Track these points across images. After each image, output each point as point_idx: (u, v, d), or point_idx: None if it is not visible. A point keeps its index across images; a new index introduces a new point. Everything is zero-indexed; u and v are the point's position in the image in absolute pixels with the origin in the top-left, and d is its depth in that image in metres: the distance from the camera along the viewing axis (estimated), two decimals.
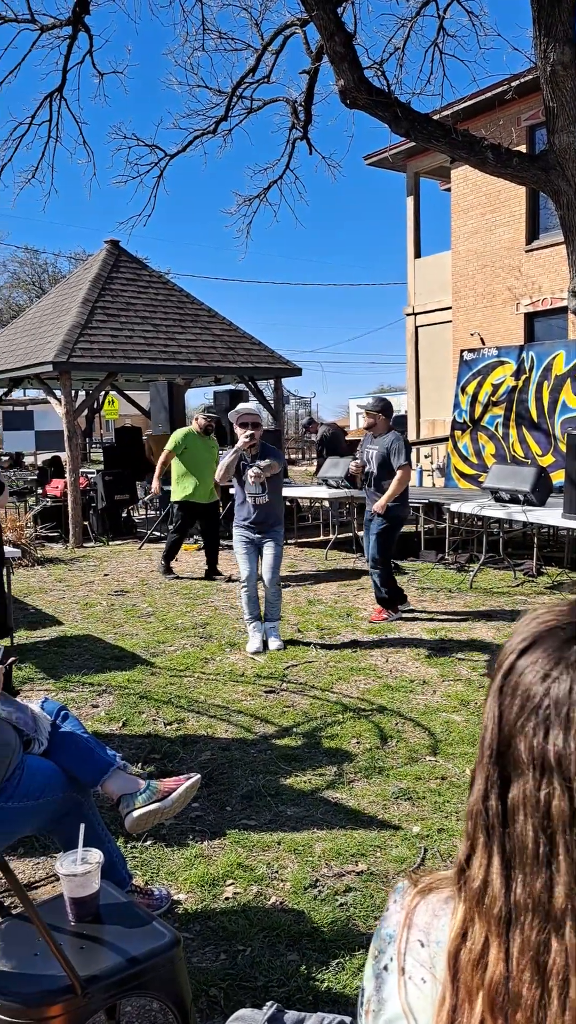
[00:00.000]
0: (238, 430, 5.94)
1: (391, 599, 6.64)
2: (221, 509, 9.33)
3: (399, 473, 6.33)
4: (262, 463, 5.86)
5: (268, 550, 5.96)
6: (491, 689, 0.80)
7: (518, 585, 7.90)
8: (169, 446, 8.58)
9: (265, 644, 5.94)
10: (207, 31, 9.33)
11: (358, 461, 6.63)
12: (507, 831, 0.75)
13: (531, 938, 0.72)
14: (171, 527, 9.17)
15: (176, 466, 8.57)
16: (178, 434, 8.61)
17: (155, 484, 9.45)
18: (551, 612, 0.80)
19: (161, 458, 8.78)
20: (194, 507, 8.59)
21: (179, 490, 8.56)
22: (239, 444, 5.87)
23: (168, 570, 8.80)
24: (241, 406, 6.18)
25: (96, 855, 1.95)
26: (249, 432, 5.86)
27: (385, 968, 0.86)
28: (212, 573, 8.72)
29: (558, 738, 0.72)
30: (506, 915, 0.74)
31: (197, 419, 8.65)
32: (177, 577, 8.72)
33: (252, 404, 6.09)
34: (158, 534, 11.69)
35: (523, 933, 0.72)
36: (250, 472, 5.84)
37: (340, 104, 8.30)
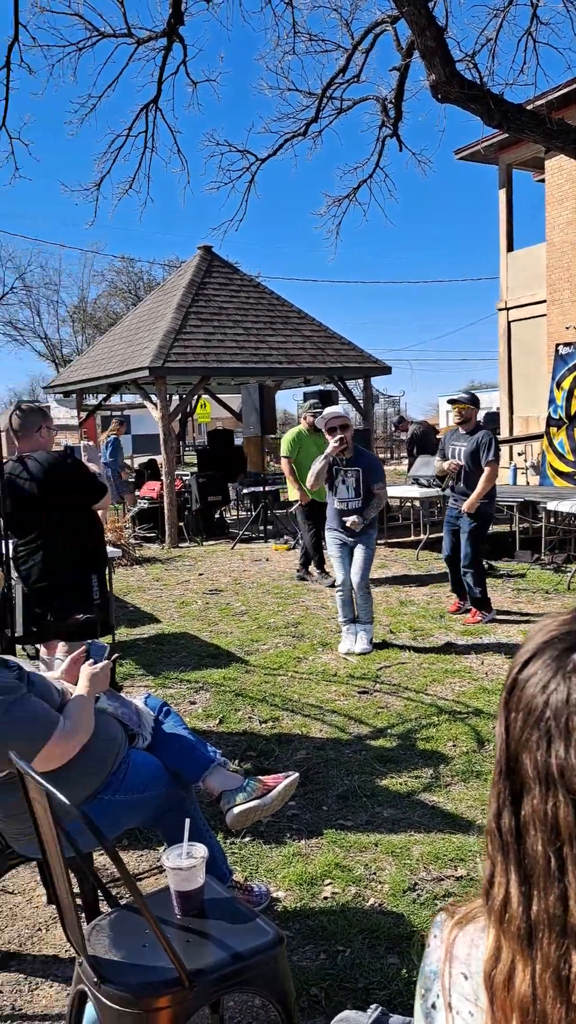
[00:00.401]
0: (328, 435, 5.89)
1: (484, 599, 6.54)
2: None
3: (487, 470, 6.21)
4: (356, 519, 5.76)
5: (359, 552, 5.89)
6: (499, 705, 0.78)
7: None
8: (284, 452, 8.37)
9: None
10: (298, 34, 9.39)
11: (453, 461, 6.43)
12: (521, 848, 0.74)
13: (551, 954, 0.71)
14: (300, 530, 8.80)
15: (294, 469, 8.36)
16: (289, 436, 8.42)
17: (299, 495, 8.54)
18: (555, 621, 0.78)
19: (284, 468, 8.51)
20: (320, 506, 8.28)
21: (300, 492, 8.36)
22: (329, 449, 5.80)
23: (307, 575, 8.56)
24: (327, 410, 6.10)
25: (201, 850, 1.98)
26: (339, 436, 5.78)
27: (433, 1006, 0.85)
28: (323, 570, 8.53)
29: (559, 750, 0.71)
30: (526, 932, 0.73)
31: (305, 418, 8.47)
32: (308, 579, 8.47)
33: (338, 407, 6.01)
34: (250, 534, 11.82)
35: (543, 949, 0.71)
36: (348, 521, 5.79)
37: (430, 99, 8.22)
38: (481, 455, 6.26)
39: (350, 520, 5.78)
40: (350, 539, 5.93)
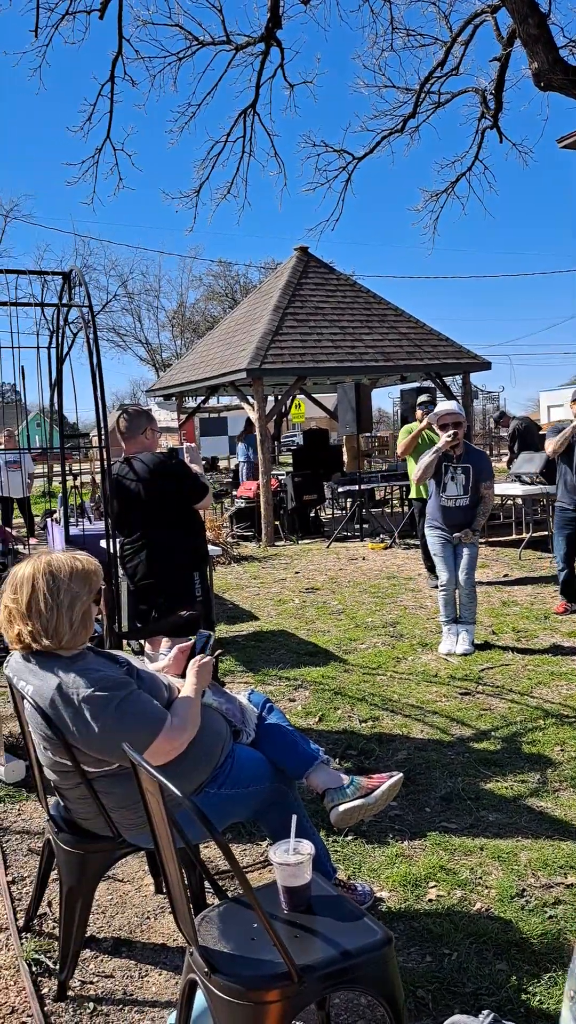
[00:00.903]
0: (440, 431, 5.84)
1: None
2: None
3: None
4: (467, 533, 5.78)
5: (467, 552, 5.81)
6: None
7: None
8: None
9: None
10: (395, 30, 9.33)
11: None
12: None
13: None
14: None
15: (411, 464, 8.26)
16: (406, 431, 8.27)
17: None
18: None
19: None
20: None
21: (419, 488, 8.23)
22: (440, 444, 5.76)
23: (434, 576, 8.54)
24: (441, 406, 6.03)
25: (307, 846, 1.99)
26: (452, 432, 5.73)
27: None
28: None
29: None
30: None
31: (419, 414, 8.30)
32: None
33: (453, 404, 5.91)
34: (345, 533, 11.80)
35: None
36: (457, 536, 5.80)
37: (531, 88, 8.02)
38: None
39: (460, 535, 5.78)
40: (454, 538, 5.85)
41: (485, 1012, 1.62)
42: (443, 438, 5.75)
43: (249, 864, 3.10)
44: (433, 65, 9.76)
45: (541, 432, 13.89)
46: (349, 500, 13.28)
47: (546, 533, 9.97)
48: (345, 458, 14.31)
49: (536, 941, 2.54)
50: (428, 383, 14.00)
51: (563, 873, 2.92)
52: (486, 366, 13.57)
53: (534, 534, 10.24)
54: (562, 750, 4.01)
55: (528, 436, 11.94)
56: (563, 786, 3.62)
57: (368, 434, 12.30)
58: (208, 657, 2.58)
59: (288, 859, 1.95)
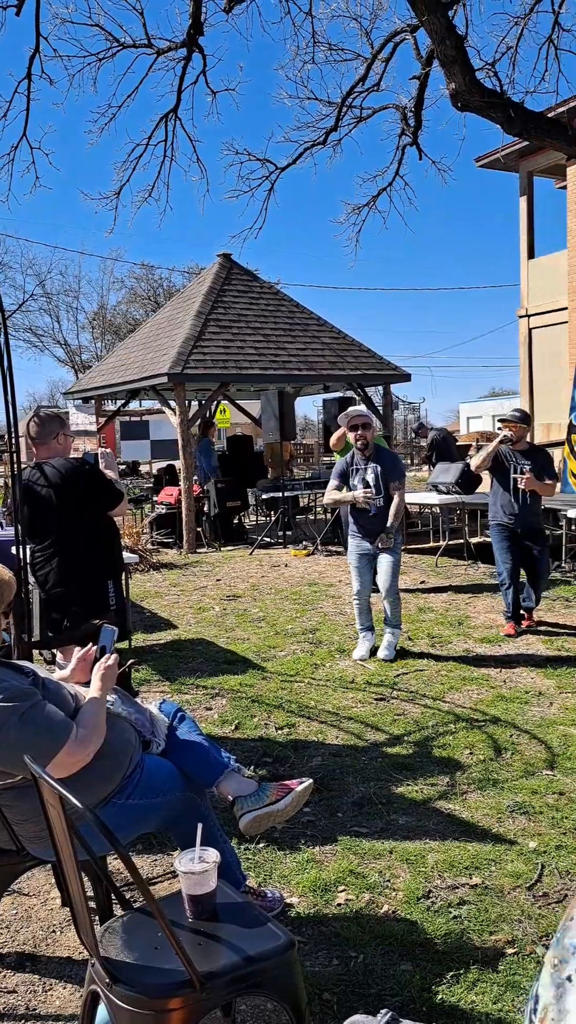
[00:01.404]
0: (349, 433, 5.91)
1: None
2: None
3: (552, 491, 6.28)
4: (384, 539, 5.74)
5: (386, 558, 5.81)
6: None
7: None
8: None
9: (374, 651, 5.92)
10: (317, 43, 9.43)
11: (528, 476, 6.15)
12: None
13: None
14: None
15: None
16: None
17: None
18: None
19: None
20: None
21: None
22: (356, 445, 5.84)
23: None
24: (351, 408, 6.10)
25: (213, 854, 1.99)
26: (359, 433, 5.80)
27: (568, 979, 0.84)
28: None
29: None
30: None
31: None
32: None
33: (362, 406, 6.05)
34: (268, 540, 11.83)
35: None
36: (379, 542, 5.78)
37: (450, 107, 8.22)
38: (544, 475, 6.19)
39: (380, 541, 5.74)
40: (372, 546, 5.87)
41: (383, 1011, 1.65)
42: (352, 440, 5.86)
43: (160, 875, 3.08)
44: (355, 80, 9.90)
45: (459, 444, 14.20)
46: (273, 507, 13.33)
47: (461, 541, 10.21)
48: (269, 463, 14.36)
49: (440, 941, 2.60)
50: (350, 393, 14.18)
51: (468, 874, 3.00)
52: (406, 378, 13.82)
53: (450, 542, 10.47)
54: (471, 753, 4.11)
55: (445, 447, 12.21)
56: (471, 788, 3.72)
57: (293, 441, 12.38)
58: (113, 657, 2.55)
59: (193, 867, 1.96)
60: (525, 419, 6.35)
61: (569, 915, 0.87)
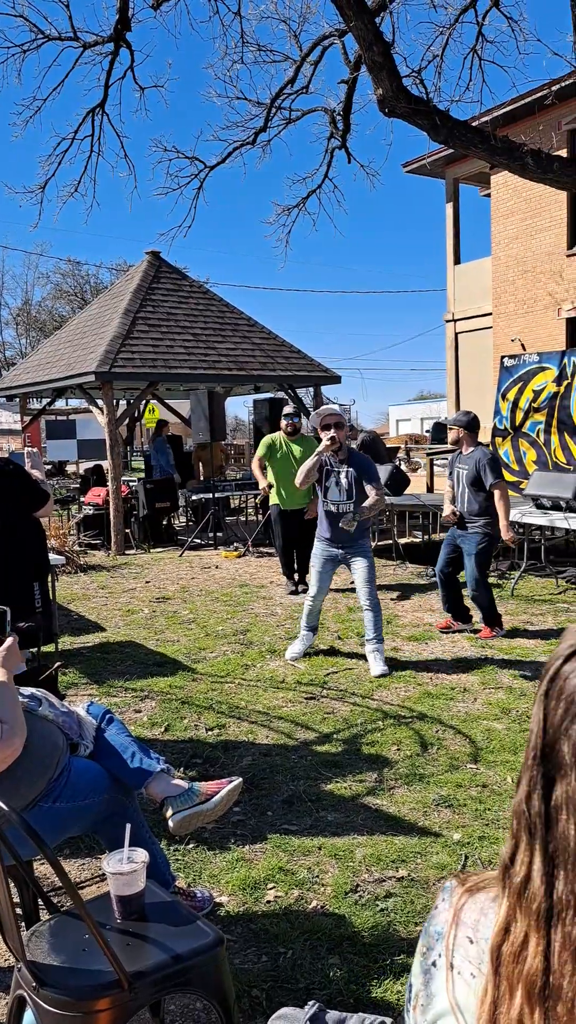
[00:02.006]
0: (321, 432, 5.67)
1: (496, 615, 6.36)
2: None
3: (498, 492, 6.08)
4: (348, 518, 5.53)
5: (359, 565, 5.65)
6: (537, 694, 0.82)
7: (560, 592, 7.82)
8: (259, 454, 8.28)
9: (303, 656, 5.89)
10: (246, 44, 9.46)
11: (450, 510, 6.23)
12: (550, 831, 0.78)
13: (572, 933, 0.74)
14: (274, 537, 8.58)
15: (267, 473, 8.28)
16: (266, 440, 8.26)
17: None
18: None
19: (255, 467, 8.52)
20: (292, 514, 8.19)
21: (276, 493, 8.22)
22: (320, 448, 5.59)
23: (292, 583, 8.33)
24: (323, 407, 5.83)
25: (142, 854, 1.99)
26: (330, 435, 5.53)
27: (434, 964, 0.88)
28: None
29: None
30: (547, 911, 0.77)
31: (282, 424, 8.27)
32: (296, 592, 8.20)
33: (334, 405, 5.84)
34: (198, 541, 11.79)
35: (565, 928, 0.74)
36: (341, 523, 5.56)
37: (379, 113, 8.35)
38: (484, 477, 6.10)
39: (342, 522, 5.54)
40: (340, 552, 5.71)
41: (310, 1003, 1.67)
42: (324, 440, 5.57)
43: (88, 878, 3.05)
44: (284, 82, 9.97)
45: (388, 446, 14.39)
46: (203, 508, 13.28)
47: (390, 542, 10.36)
48: (199, 465, 14.31)
49: (367, 934, 2.65)
50: (281, 394, 14.23)
51: (395, 867, 3.06)
52: (336, 380, 13.95)
53: (379, 542, 10.62)
54: (398, 749, 4.19)
55: (374, 449, 12.33)
56: (398, 784, 3.78)
57: (224, 441, 12.38)
58: (10, 639, 2.51)
59: (121, 868, 1.95)
60: (469, 423, 6.32)
61: (435, 904, 0.91)
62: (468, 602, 6.56)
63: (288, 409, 8.40)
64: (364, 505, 5.55)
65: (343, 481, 5.61)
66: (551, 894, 0.76)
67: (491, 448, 10.89)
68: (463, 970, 0.84)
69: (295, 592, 8.17)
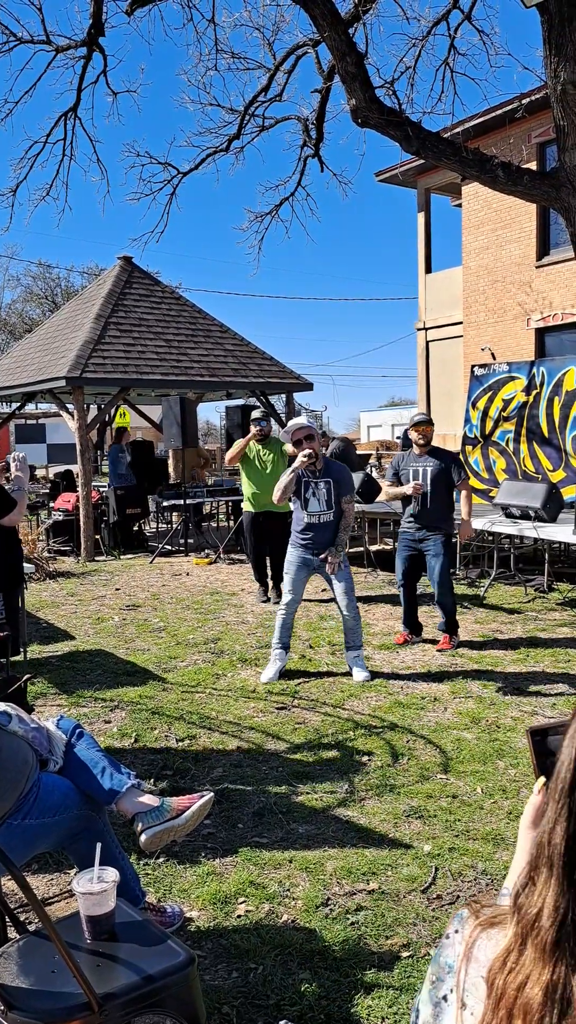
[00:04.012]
0: (294, 448, 5.63)
1: (455, 623, 6.38)
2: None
3: (466, 491, 6.26)
4: (332, 558, 5.54)
5: (338, 574, 5.63)
6: (571, 726, 0.83)
7: (529, 601, 7.89)
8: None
9: (278, 674, 5.69)
10: (220, 51, 9.45)
11: (416, 483, 6.18)
12: (573, 863, 0.77)
13: None
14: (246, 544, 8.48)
15: (243, 478, 8.22)
16: (236, 445, 8.18)
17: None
18: None
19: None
20: (267, 518, 8.09)
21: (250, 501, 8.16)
22: (297, 463, 5.53)
23: (264, 590, 8.27)
24: (292, 422, 5.81)
25: (112, 874, 1.98)
26: (306, 451, 5.48)
27: (444, 999, 0.87)
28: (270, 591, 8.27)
29: None
30: (560, 944, 0.76)
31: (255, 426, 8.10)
32: (266, 600, 8.16)
33: (303, 418, 5.75)
34: (169, 548, 11.74)
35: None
36: (327, 561, 5.54)
37: (352, 122, 8.40)
38: (455, 474, 6.22)
39: (323, 557, 5.55)
40: (316, 559, 5.66)
41: (281, 1022, 1.67)
42: (300, 457, 5.52)
43: (56, 894, 3.02)
44: (257, 89, 9.98)
45: (360, 453, 14.44)
46: (174, 514, 13.23)
47: (361, 549, 10.39)
48: (171, 470, 14.26)
49: (338, 948, 2.64)
50: (253, 400, 14.23)
51: (365, 880, 3.06)
52: (308, 386, 13.98)
53: (351, 550, 10.64)
54: (369, 759, 4.19)
55: (345, 457, 12.37)
56: (369, 795, 3.79)
57: (195, 448, 12.33)
58: None
59: (91, 888, 1.93)
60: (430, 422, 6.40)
61: (446, 932, 0.91)
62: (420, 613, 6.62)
63: (256, 414, 8.34)
64: (341, 531, 5.62)
65: (322, 491, 5.60)
66: (564, 926, 0.76)
67: (463, 454, 10.99)
68: (476, 1011, 0.83)
69: (267, 600, 8.16)
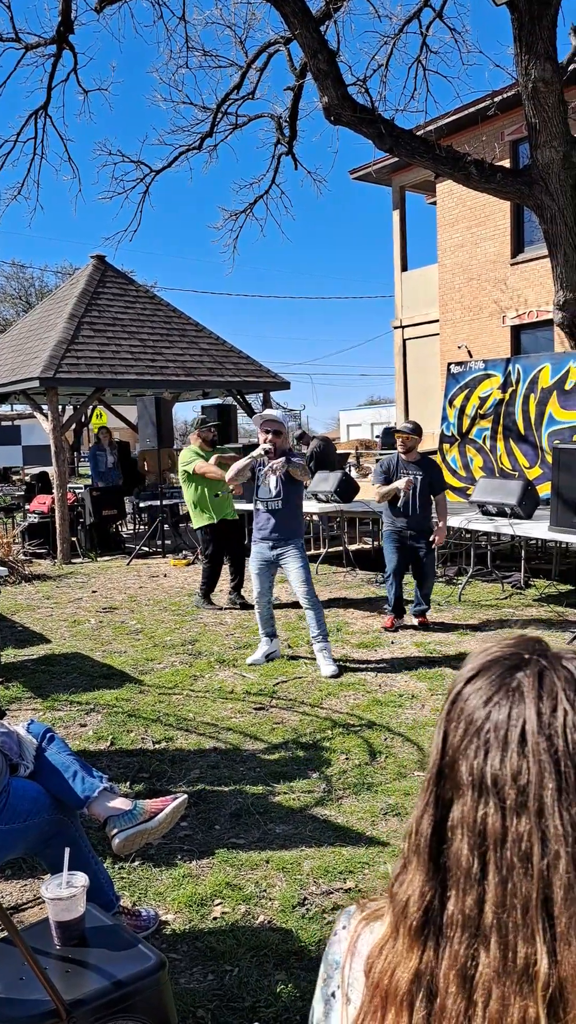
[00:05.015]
0: (260, 434, 5.69)
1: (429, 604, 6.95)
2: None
3: (445, 500, 6.68)
4: (279, 462, 5.55)
5: (292, 565, 5.67)
6: (440, 715, 0.82)
7: (506, 598, 7.92)
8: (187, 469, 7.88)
9: (269, 658, 5.96)
10: (191, 49, 9.43)
11: (408, 479, 6.50)
12: (443, 850, 0.77)
13: (460, 952, 0.74)
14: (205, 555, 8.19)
15: (186, 491, 7.93)
16: (186, 457, 7.88)
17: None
18: (498, 645, 0.83)
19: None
20: (225, 526, 7.93)
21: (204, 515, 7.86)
22: (256, 452, 5.62)
23: (209, 602, 8.02)
24: (265, 412, 5.86)
25: (81, 879, 1.94)
26: (267, 446, 5.57)
27: (332, 995, 0.87)
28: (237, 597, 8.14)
29: (495, 760, 0.74)
30: (425, 928, 0.76)
31: (196, 435, 7.93)
32: (219, 608, 7.95)
33: (276, 411, 5.83)
34: (146, 549, 11.67)
35: (452, 947, 0.74)
36: (269, 467, 5.54)
37: (325, 120, 8.38)
38: (437, 483, 6.65)
39: (263, 448, 5.54)
40: (272, 553, 5.75)
41: None
42: (261, 446, 5.61)
43: (29, 900, 2.97)
44: (230, 87, 9.96)
45: (339, 452, 14.45)
46: (151, 515, 13.16)
47: (340, 548, 10.38)
48: (146, 471, 14.20)
49: (315, 948, 2.62)
50: (230, 399, 14.19)
51: (342, 878, 3.04)
52: (285, 385, 13.96)
53: (330, 549, 10.64)
54: (347, 758, 4.18)
55: (325, 456, 12.39)
56: (346, 793, 3.77)
57: (171, 448, 12.28)
58: None
59: (60, 893, 1.90)
60: (417, 431, 6.74)
61: (335, 929, 0.91)
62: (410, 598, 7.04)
63: (202, 416, 8.19)
64: (293, 462, 5.58)
65: (271, 483, 5.70)
66: (441, 914, 0.76)
67: (440, 452, 11.02)
68: (359, 1004, 0.83)
69: (214, 606, 7.96)
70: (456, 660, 5.86)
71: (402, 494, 6.57)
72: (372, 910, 0.89)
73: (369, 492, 11.98)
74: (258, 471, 5.77)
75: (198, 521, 7.90)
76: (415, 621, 6.88)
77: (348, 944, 0.87)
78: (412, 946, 0.76)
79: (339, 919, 0.91)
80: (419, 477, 6.58)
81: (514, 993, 0.70)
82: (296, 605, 7.81)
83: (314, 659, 5.93)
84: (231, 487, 5.84)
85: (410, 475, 6.57)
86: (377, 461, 6.92)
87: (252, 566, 5.91)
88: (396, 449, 6.73)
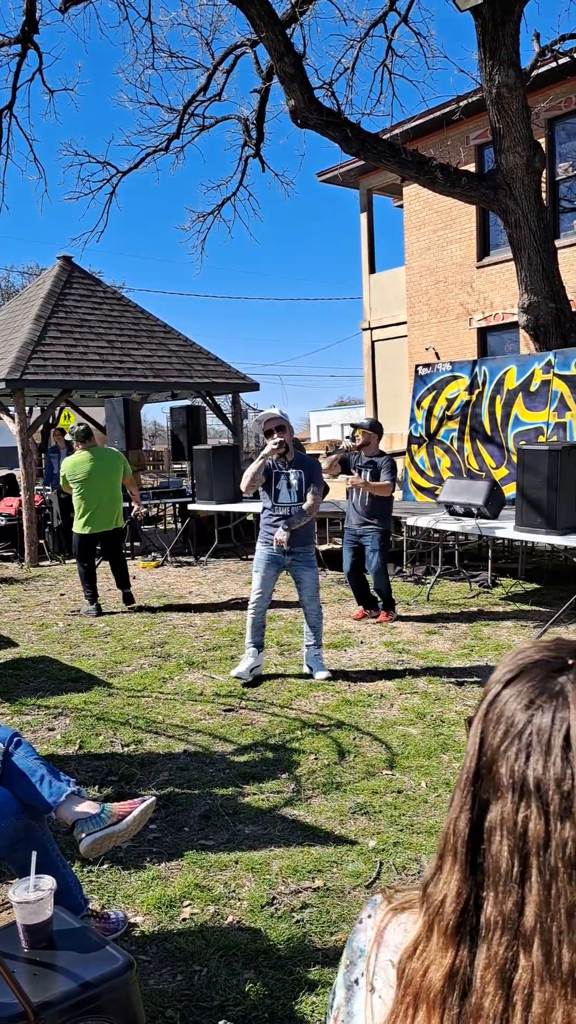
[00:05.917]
0: (265, 439, 5.55)
1: (392, 601, 7.18)
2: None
3: (383, 484, 6.75)
4: (281, 536, 5.43)
5: (306, 577, 5.57)
6: (476, 716, 0.83)
7: (473, 596, 8.01)
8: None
9: (253, 671, 5.63)
10: (157, 50, 9.42)
11: (356, 477, 6.80)
12: (482, 850, 0.78)
13: (499, 954, 0.74)
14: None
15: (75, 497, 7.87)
16: (67, 465, 7.82)
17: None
18: (536, 647, 0.84)
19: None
20: (92, 539, 7.89)
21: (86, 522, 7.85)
22: (266, 451, 5.46)
23: (98, 610, 7.90)
24: (264, 412, 5.72)
25: (49, 882, 1.95)
26: (277, 440, 5.41)
27: (356, 982, 0.88)
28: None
29: (538, 763, 0.75)
30: (461, 928, 0.77)
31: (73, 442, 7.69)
32: (101, 613, 7.89)
33: (276, 409, 5.72)
34: None
35: (491, 949, 0.75)
36: (275, 538, 5.42)
37: (292, 123, 8.42)
38: (381, 475, 6.81)
39: (277, 534, 5.42)
40: (286, 559, 5.55)
41: (221, 1022, 1.66)
42: (269, 445, 5.45)
43: None
44: (196, 89, 9.96)
45: (309, 452, 14.45)
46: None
47: (343, 552, 10.41)
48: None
49: (283, 946, 2.65)
50: (199, 401, 14.17)
51: (311, 877, 3.07)
52: (254, 387, 13.97)
53: None
54: (316, 758, 4.21)
55: None
56: (315, 793, 3.80)
57: (140, 450, 12.23)
58: None
59: (27, 896, 1.90)
60: (373, 426, 6.98)
61: (360, 917, 0.92)
62: (372, 592, 7.26)
63: (77, 420, 8.06)
64: (303, 509, 5.47)
65: (293, 483, 5.53)
66: (479, 915, 0.77)
67: (408, 454, 11.10)
68: (384, 995, 0.84)
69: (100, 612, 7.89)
70: (424, 659, 5.92)
71: (353, 493, 6.90)
72: (400, 901, 0.89)
73: (338, 492, 12.04)
74: (272, 471, 5.56)
75: (78, 528, 7.95)
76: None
77: (375, 933, 0.88)
78: (447, 946, 0.77)
79: (365, 908, 0.92)
80: (368, 471, 6.80)
81: (559, 997, 0.70)
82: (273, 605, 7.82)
83: (284, 661, 5.95)
84: (245, 490, 5.65)
85: (363, 468, 6.81)
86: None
87: (259, 568, 5.61)
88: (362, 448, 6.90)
